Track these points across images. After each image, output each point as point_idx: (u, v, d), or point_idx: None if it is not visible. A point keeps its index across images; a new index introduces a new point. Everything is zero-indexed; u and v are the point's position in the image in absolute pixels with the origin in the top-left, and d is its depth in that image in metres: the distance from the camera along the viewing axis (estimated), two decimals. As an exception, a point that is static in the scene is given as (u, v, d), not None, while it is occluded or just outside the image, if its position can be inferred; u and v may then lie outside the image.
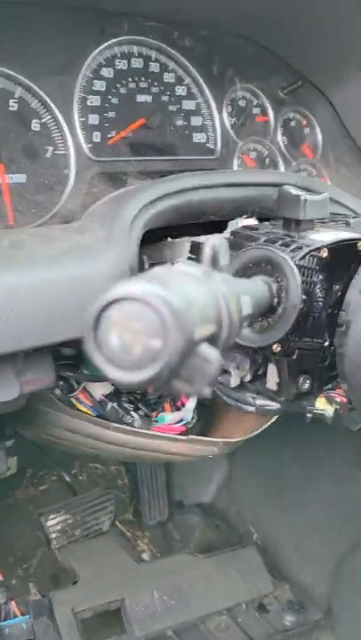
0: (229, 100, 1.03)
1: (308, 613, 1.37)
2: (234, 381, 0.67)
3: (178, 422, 0.93)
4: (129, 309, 0.26)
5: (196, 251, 0.69)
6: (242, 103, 1.05)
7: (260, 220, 0.86)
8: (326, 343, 0.62)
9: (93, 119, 0.87)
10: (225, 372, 0.67)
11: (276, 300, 0.56)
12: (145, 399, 0.89)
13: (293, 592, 1.40)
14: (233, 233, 0.66)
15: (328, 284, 0.60)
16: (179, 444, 0.89)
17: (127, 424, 0.88)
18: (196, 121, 0.99)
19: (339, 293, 0.62)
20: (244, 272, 0.59)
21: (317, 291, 0.60)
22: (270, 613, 1.35)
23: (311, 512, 1.47)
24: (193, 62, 0.97)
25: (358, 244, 0.62)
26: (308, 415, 0.61)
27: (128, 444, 0.90)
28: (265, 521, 1.54)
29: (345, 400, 0.64)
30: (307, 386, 0.63)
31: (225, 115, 1.02)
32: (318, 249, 0.58)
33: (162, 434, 0.89)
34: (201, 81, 0.99)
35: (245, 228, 0.67)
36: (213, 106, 1.00)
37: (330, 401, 0.62)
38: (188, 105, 0.98)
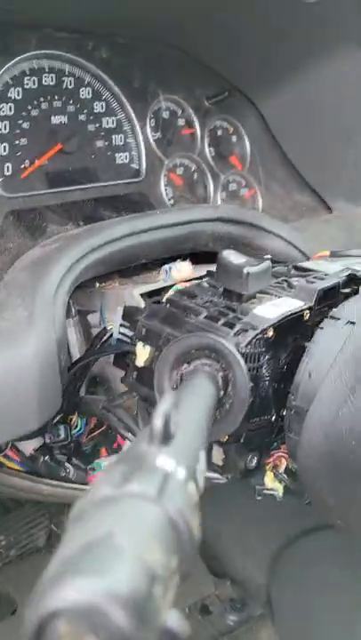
0: (152, 113, 0.95)
1: (250, 609, 1.40)
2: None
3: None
4: (72, 627, 0.20)
5: (129, 317, 0.63)
6: (166, 115, 0.97)
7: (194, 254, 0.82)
8: (274, 417, 0.59)
9: (2, 149, 0.78)
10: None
11: (222, 392, 0.52)
12: (79, 449, 0.83)
13: (234, 589, 1.43)
14: (169, 301, 0.61)
15: (274, 360, 0.57)
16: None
17: (61, 478, 0.83)
18: (117, 140, 0.91)
19: (286, 366, 0.58)
20: (184, 358, 0.54)
21: (264, 371, 0.56)
22: (213, 615, 1.37)
23: (250, 507, 1.49)
24: (111, 75, 0.88)
25: (305, 314, 0.58)
26: (258, 497, 0.59)
27: (65, 496, 0.85)
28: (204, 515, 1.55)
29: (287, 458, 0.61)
30: (254, 462, 0.60)
31: (148, 130, 0.94)
32: (265, 330, 0.54)
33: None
34: (121, 95, 0.90)
35: (182, 293, 0.61)
36: (135, 121, 0.92)
37: (278, 478, 0.60)
38: (108, 122, 0.90)
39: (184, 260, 0.77)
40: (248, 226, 0.82)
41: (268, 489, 0.59)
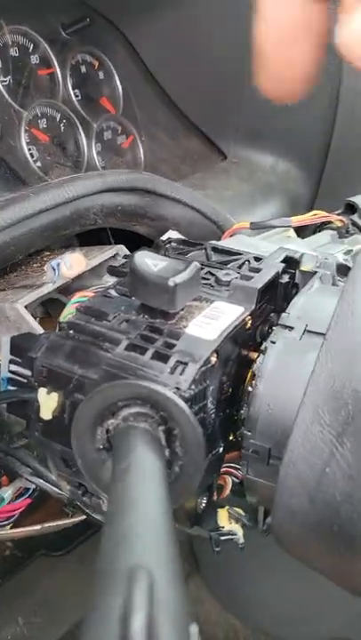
0: (-3, 51, 0.74)
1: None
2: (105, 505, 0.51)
3: (22, 495, 0.75)
4: None
5: (19, 351, 0.47)
6: (14, 53, 0.77)
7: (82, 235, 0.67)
8: (221, 449, 0.48)
9: None
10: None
11: (167, 451, 0.40)
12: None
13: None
14: (72, 327, 0.46)
15: (219, 387, 0.45)
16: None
17: None
18: None
19: (230, 388, 0.47)
20: (110, 409, 0.40)
21: (209, 405, 0.44)
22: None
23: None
24: None
25: (247, 321, 0.47)
26: (217, 549, 0.49)
27: None
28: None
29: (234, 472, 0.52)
30: (204, 504, 0.49)
31: (-5, 74, 0.74)
32: (207, 359, 0.42)
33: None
34: None
35: (87, 313, 0.47)
36: (-23, 64, 0.71)
37: (233, 517, 0.50)
38: None
39: (73, 249, 0.62)
40: (142, 193, 0.67)
41: (224, 534, 0.49)
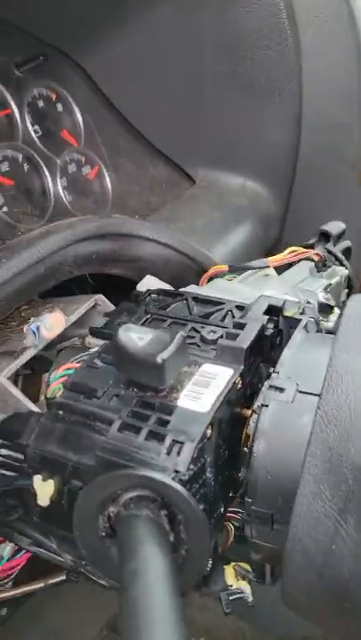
0: None
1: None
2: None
3: (20, 551, 0.74)
4: None
5: (7, 436, 0.46)
6: (-32, 98, 0.75)
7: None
8: (222, 509, 0.47)
9: None
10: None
11: (172, 535, 0.39)
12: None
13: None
14: (61, 407, 0.45)
15: (216, 455, 0.45)
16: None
17: None
18: None
19: (227, 451, 0.47)
20: (110, 497, 0.40)
21: (208, 475, 0.44)
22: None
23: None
24: None
25: (237, 383, 0.46)
26: (227, 610, 0.49)
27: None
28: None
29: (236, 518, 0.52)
30: (210, 565, 0.49)
31: None
32: (203, 435, 0.41)
33: None
34: None
35: (74, 390, 0.46)
36: None
37: (240, 574, 0.50)
38: None
39: (51, 308, 0.61)
40: (115, 237, 0.66)
41: (233, 593, 0.49)
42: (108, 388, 0.46)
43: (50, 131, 0.84)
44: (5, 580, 0.71)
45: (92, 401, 0.45)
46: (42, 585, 0.70)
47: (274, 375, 0.46)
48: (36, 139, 0.82)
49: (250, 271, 0.62)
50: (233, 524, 0.52)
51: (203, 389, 0.45)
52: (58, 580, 0.70)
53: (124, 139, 0.86)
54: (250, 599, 0.49)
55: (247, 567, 0.50)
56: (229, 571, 0.50)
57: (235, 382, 0.46)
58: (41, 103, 0.84)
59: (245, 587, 0.49)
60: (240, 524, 0.51)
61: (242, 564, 0.50)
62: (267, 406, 0.44)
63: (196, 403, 0.43)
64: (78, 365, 0.49)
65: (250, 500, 0.43)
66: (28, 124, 0.81)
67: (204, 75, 0.81)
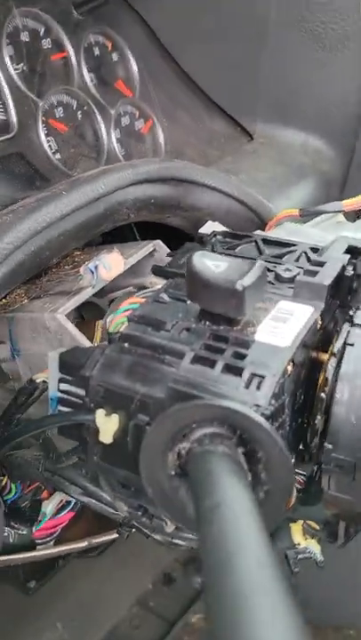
0: (8, 36, 0.69)
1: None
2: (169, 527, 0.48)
3: (64, 509, 0.71)
4: None
5: (70, 368, 0.43)
6: (26, 37, 0.72)
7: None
8: (293, 459, 0.44)
9: None
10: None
11: (249, 476, 0.36)
12: (18, 512, 0.64)
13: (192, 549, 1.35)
14: (128, 339, 0.41)
15: (293, 397, 0.41)
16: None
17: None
18: (-32, 83, 0.65)
19: (302, 397, 0.43)
20: (182, 432, 0.36)
21: (286, 418, 0.40)
22: (178, 582, 1.29)
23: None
24: None
25: (317, 322, 0.42)
26: (296, 570, 0.45)
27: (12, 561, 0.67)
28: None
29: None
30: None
31: (8, 61, 0.68)
32: (285, 371, 0.38)
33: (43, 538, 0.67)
34: None
35: (142, 322, 0.42)
36: (-12, 52, 0.66)
37: (309, 532, 0.46)
38: None
39: (109, 249, 0.58)
40: (176, 182, 0.62)
41: (302, 551, 0.46)
42: (178, 321, 0.42)
43: (104, 80, 0.81)
44: (48, 539, 0.68)
45: (161, 333, 0.42)
46: (85, 544, 0.67)
47: (359, 313, 0.42)
48: (91, 86, 0.78)
49: (321, 217, 0.58)
50: (296, 487, 0.48)
51: (281, 325, 0.41)
52: (101, 539, 0.67)
53: (180, 91, 0.83)
54: (319, 559, 0.45)
55: (315, 525, 0.46)
56: (297, 528, 0.46)
57: (315, 321, 0.42)
58: (97, 51, 0.81)
59: (315, 546, 0.46)
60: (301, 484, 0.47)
61: (310, 522, 0.46)
62: (352, 345, 0.40)
63: (275, 337, 0.40)
64: (143, 300, 0.45)
65: (330, 446, 0.40)
66: (84, 70, 0.78)
67: (270, 21, 0.76)
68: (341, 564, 0.73)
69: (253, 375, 0.37)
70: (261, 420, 0.34)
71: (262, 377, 0.37)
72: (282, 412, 0.38)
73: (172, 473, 0.37)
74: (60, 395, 0.44)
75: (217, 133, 0.82)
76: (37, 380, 0.47)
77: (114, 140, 0.80)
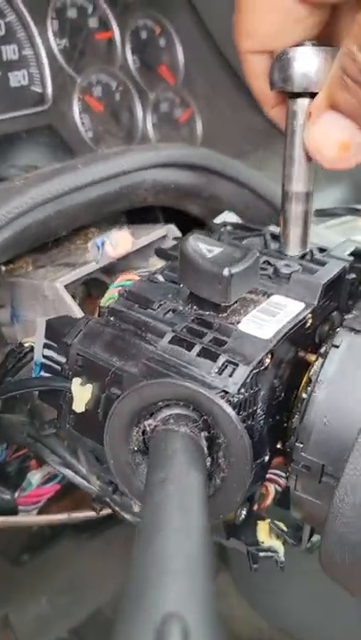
0: (54, 11, 0.70)
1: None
2: (137, 507, 0.48)
3: (50, 480, 0.72)
4: None
5: (55, 334, 0.44)
6: (72, 14, 0.72)
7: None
8: (267, 458, 0.43)
9: None
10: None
11: (208, 460, 0.36)
12: (2, 475, 0.66)
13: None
14: (113, 313, 0.42)
15: (270, 392, 0.40)
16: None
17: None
18: (9, 52, 0.66)
19: (283, 393, 0.42)
20: (148, 409, 0.36)
21: (259, 411, 0.39)
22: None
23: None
24: None
25: (307, 320, 0.42)
26: (255, 566, 0.44)
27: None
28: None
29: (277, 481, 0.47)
30: (244, 515, 0.45)
31: (51, 36, 0.69)
32: (260, 361, 0.37)
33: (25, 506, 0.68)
34: (8, -14, 0.64)
35: (130, 299, 0.42)
36: (32, 24, 0.67)
37: (275, 532, 0.45)
38: (-6, 28, 0.65)
39: (120, 227, 0.58)
40: (199, 170, 0.62)
41: (264, 550, 0.45)
42: (166, 301, 0.42)
43: (148, 64, 0.81)
44: (30, 507, 0.69)
45: (147, 311, 0.42)
46: (65, 516, 0.68)
47: (350, 316, 0.41)
48: (133, 69, 0.79)
49: (337, 220, 0.57)
50: (275, 489, 0.47)
51: (268, 317, 0.40)
52: (82, 515, 0.68)
53: (223, 81, 0.82)
54: (281, 559, 0.44)
55: (283, 526, 0.46)
56: (263, 527, 0.46)
57: (305, 319, 0.41)
58: (144, 34, 0.81)
59: (279, 547, 0.45)
60: (281, 488, 0.46)
61: (278, 522, 0.45)
62: (337, 347, 0.39)
63: (258, 328, 0.39)
64: (138, 278, 0.45)
65: (300, 445, 0.39)
66: (128, 53, 0.78)
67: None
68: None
69: (228, 362, 0.37)
70: (224, 404, 0.34)
71: (236, 365, 0.37)
72: (253, 404, 0.38)
73: (134, 448, 0.37)
74: (43, 360, 0.45)
75: (254, 128, 0.81)
76: (26, 345, 0.47)
77: (149, 124, 0.80)
